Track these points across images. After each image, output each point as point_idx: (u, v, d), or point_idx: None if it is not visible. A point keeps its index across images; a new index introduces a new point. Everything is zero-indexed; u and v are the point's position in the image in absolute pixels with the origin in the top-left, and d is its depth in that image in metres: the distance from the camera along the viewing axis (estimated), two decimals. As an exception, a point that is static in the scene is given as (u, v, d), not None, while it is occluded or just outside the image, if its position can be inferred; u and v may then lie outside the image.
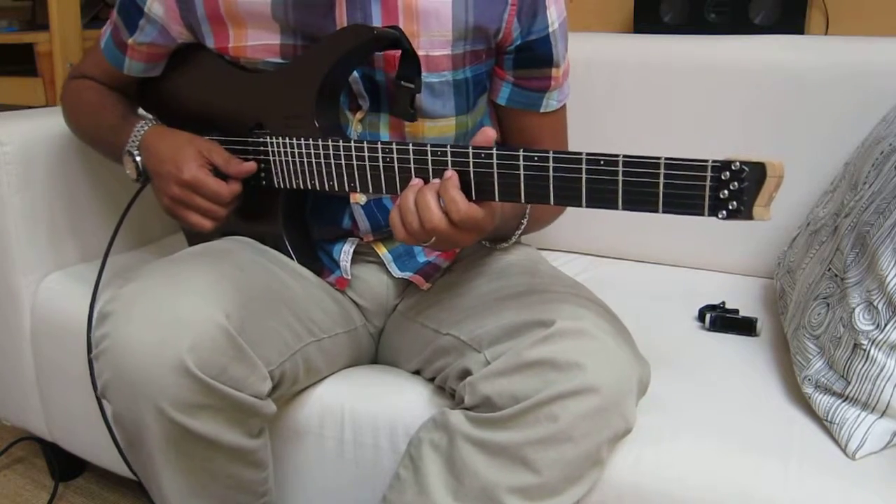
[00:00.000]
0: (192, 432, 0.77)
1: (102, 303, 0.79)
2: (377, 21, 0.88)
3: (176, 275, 0.80)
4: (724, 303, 1.10)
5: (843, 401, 0.81)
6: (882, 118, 1.07)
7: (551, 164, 0.69)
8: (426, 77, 0.90)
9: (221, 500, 0.85)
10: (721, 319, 1.07)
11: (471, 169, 0.73)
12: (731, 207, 0.62)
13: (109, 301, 0.78)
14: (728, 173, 0.62)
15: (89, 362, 0.79)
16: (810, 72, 1.17)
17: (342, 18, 0.88)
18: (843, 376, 0.81)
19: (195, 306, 0.76)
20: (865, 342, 0.79)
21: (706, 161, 0.62)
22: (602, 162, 0.67)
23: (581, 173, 0.68)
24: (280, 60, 0.91)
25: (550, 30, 0.92)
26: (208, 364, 0.75)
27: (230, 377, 0.77)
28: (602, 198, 0.68)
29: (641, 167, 0.65)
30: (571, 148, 1.05)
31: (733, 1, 1.44)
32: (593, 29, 1.69)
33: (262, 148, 0.92)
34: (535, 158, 0.70)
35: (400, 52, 0.86)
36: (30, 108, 1.69)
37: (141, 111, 1.09)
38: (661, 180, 0.64)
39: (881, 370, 0.78)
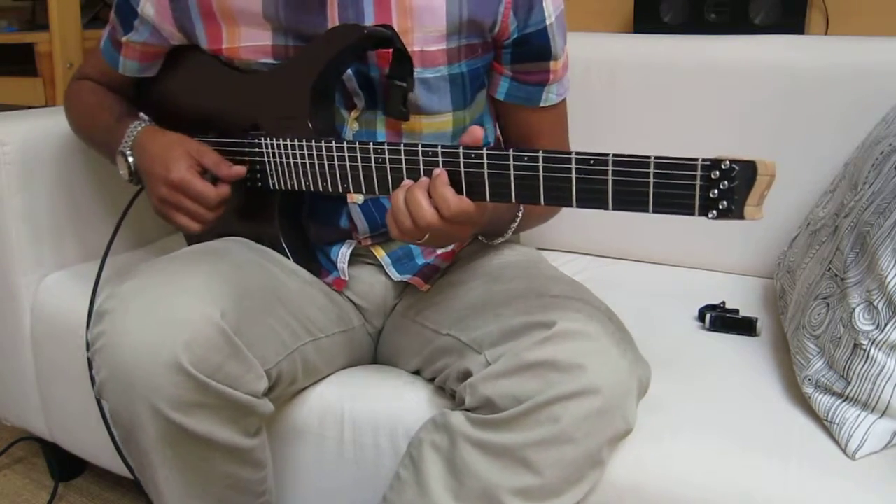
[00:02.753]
0: (188, 430, 0.77)
1: (99, 301, 0.79)
2: (370, 18, 0.88)
3: (172, 273, 0.80)
4: (724, 303, 1.10)
5: (843, 401, 0.81)
6: (882, 118, 1.07)
7: (541, 164, 0.69)
8: (422, 73, 0.89)
9: (219, 500, 0.85)
10: (721, 319, 1.07)
11: (461, 169, 0.73)
12: (721, 207, 0.61)
13: (106, 299, 0.78)
14: (718, 172, 0.60)
15: (88, 362, 0.79)
16: (810, 72, 1.17)
17: (334, 17, 0.88)
18: (843, 376, 0.81)
19: (191, 304, 0.76)
20: (865, 342, 0.79)
21: (696, 160, 0.61)
22: (592, 161, 0.66)
23: (571, 173, 0.67)
24: (273, 61, 0.91)
25: (547, 22, 0.92)
26: (203, 362, 0.75)
27: (225, 375, 0.77)
28: (592, 198, 0.67)
29: (631, 166, 0.64)
30: (571, 147, 1.05)
31: (733, 1, 1.44)
32: (593, 29, 1.69)
33: (257, 149, 0.92)
34: (525, 158, 0.69)
35: (392, 50, 0.86)
36: (30, 108, 1.68)
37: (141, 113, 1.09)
38: (651, 179, 0.63)
39: (881, 370, 0.78)
